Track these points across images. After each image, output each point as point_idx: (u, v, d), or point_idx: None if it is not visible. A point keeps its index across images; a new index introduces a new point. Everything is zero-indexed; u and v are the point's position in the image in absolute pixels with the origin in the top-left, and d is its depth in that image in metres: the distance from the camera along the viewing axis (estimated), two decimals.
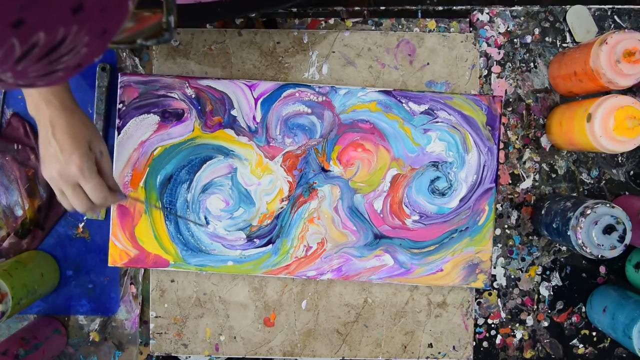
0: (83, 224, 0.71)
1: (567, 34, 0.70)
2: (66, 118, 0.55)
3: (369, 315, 0.71)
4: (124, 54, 0.70)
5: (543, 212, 0.67)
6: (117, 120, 0.68)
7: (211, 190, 0.68)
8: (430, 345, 0.71)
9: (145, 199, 0.67)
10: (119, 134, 0.68)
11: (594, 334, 0.71)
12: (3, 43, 0.22)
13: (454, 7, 0.71)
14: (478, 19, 0.71)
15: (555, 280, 0.71)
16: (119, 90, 0.67)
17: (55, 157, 0.54)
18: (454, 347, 0.71)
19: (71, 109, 0.56)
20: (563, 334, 0.71)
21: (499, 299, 0.71)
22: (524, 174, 0.71)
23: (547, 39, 0.71)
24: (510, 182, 0.71)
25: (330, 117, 0.68)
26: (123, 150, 0.68)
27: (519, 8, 0.71)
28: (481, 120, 0.68)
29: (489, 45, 0.71)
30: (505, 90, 0.71)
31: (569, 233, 0.60)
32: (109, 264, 0.68)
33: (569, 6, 0.70)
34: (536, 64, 0.71)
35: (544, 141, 0.71)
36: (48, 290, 0.69)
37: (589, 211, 0.59)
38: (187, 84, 0.68)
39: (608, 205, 0.59)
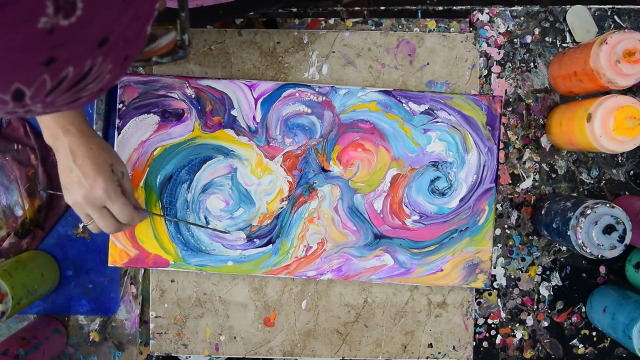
0: (83, 224, 0.71)
1: (567, 34, 0.70)
2: (85, 144, 0.56)
3: (369, 315, 0.71)
4: None
5: (543, 212, 0.67)
6: (117, 120, 0.68)
7: (211, 190, 0.68)
8: (430, 345, 0.71)
9: (164, 213, 0.68)
10: (119, 134, 0.68)
11: (594, 334, 0.71)
12: (35, 80, 0.23)
13: (454, 7, 0.71)
14: (478, 19, 0.71)
15: (555, 280, 0.71)
16: (119, 90, 0.67)
17: (79, 183, 0.56)
18: (454, 347, 0.71)
19: (88, 134, 0.57)
20: (563, 334, 0.71)
21: (499, 299, 0.71)
22: (524, 174, 0.71)
23: (547, 39, 0.71)
24: (510, 182, 0.71)
25: (330, 117, 0.68)
26: (123, 150, 0.68)
27: (519, 8, 0.71)
28: (481, 120, 0.68)
29: (489, 45, 0.71)
30: (505, 90, 0.71)
31: (569, 233, 0.60)
32: (109, 264, 0.68)
33: (569, 6, 0.70)
34: (536, 64, 0.71)
35: (544, 141, 0.71)
36: (48, 290, 0.69)
37: (589, 211, 0.59)
38: (187, 84, 0.68)
39: (608, 205, 0.59)
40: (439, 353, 0.71)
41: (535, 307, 0.71)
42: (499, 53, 0.71)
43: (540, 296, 0.71)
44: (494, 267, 0.71)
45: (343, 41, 0.70)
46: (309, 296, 0.71)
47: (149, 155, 0.68)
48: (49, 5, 0.21)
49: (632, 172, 0.71)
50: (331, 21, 0.71)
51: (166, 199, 0.68)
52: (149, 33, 0.29)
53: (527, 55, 0.71)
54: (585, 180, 0.71)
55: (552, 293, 0.71)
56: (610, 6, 0.70)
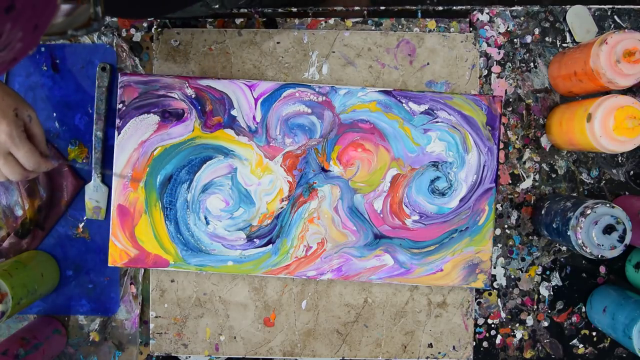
0: (83, 224, 0.71)
1: (567, 34, 0.70)
2: None
3: (369, 315, 0.71)
4: (124, 54, 0.70)
5: (543, 212, 0.67)
6: (117, 120, 0.68)
7: (211, 190, 0.68)
8: (430, 345, 0.71)
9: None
10: (119, 134, 0.68)
11: (594, 334, 0.71)
12: None
13: (454, 7, 0.71)
14: (478, 19, 0.71)
15: (555, 280, 0.71)
16: (119, 90, 0.67)
17: None
18: (454, 347, 0.71)
19: None
20: (563, 334, 0.71)
21: (499, 299, 0.71)
22: (524, 174, 0.71)
23: (547, 39, 0.71)
24: (510, 182, 0.71)
25: (330, 117, 0.68)
26: (123, 150, 0.68)
27: (519, 8, 0.71)
28: (481, 120, 0.68)
29: (489, 45, 0.71)
30: (505, 90, 0.71)
31: (569, 233, 0.60)
32: (109, 264, 0.68)
33: (569, 6, 0.70)
34: (536, 64, 0.71)
35: (544, 141, 0.71)
36: (48, 290, 0.69)
37: (589, 211, 0.59)
38: (187, 84, 0.68)
39: (608, 205, 0.59)
40: (439, 353, 0.71)
41: (535, 307, 0.71)
42: (499, 53, 0.71)
43: (540, 296, 0.71)
44: (494, 267, 0.71)
45: (343, 41, 0.70)
46: (309, 296, 0.71)
47: (149, 155, 0.68)
48: None
49: (632, 172, 0.71)
50: (331, 21, 0.71)
51: (166, 199, 0.68)
52: (59, 2, 0.30)
53: (527, 55, 0.71)
54: (585, 180, 0.71)
55: (552, 293, 0.71)
56: (610, 6, 0.70)
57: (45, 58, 0.70)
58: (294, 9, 0.72)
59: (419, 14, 0.72)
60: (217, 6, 0.65)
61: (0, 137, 0.54)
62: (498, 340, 0.71)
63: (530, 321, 0.71)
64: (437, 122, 0.68)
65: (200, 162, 0.68)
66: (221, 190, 0.68)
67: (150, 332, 0.71)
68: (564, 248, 0.71)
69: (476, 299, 0.71)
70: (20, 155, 0.55)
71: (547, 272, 0.71)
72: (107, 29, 0.70)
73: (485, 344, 0.71)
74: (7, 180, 0.57)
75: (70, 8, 0.37)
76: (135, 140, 0.68)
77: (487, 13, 0.71)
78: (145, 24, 0.71)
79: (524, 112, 0.71)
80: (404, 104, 0.68)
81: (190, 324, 0.71)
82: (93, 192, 0.70)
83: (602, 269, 0.71)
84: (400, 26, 0.71)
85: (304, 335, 0.71)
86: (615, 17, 0.70)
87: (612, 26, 0.70)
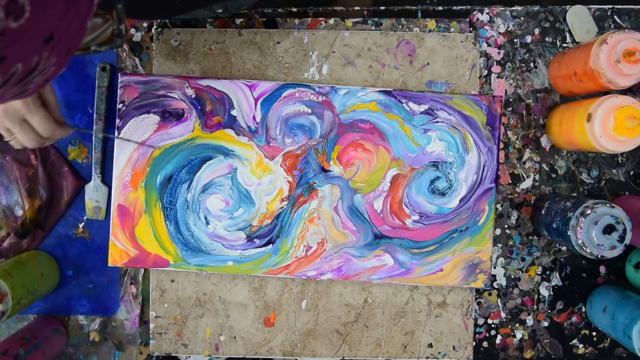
0: (83, 224, 0.71)
1: (567, 34, 0.70)
2: None
3: (369, 315, 0.71)
4: (124, 54, 0.70)
5: (543, 212, 0.67)
6: (117, 120, 0.68)
7: (211, 190, 0.68)
8: (430, 345, 0.71)
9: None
10: (119, 133, 0.68)
11: (594, 334, 0.71)
12: None
13: (454, 7, 0.71)
14: (478, 19, 0.71)
15: (555, 280, 0.71)
16: (119, 90, 0.67)
17: None
18: (454, 347, 0.71)
19: None
20: (563, 334, 0.71)
21: (499, 299, 0.71)
22: (524, 174, 0.71)
23: (547, 39, 0.71)
24: (510, 182, 0.71)
25: (330, 117, 0.68)
26: (123, 150, 0.68)
27: (519, 8, 0.71)
28: (481, 120, 0.68)
29: (489, 45, 0.71)
30: (505, 90, 0.71)
31: (569, 233, 0.60)
32: (109, 264, 0.68)
33: (569, 6, 0.70)
34: (536, 64, 0.71)
35: (544, 141, 0.71)
36: (48, 290, 0.69)
37: (589, 211, 0.59)
38: (187, 84, 0.68)
39: (608, 205, 0.59)
40: (439, 353, 0.71)
41: (535, 307, 0.71)
42: (499, 53, 0.71)
43: (540, 296, 0.71)
44: (494, 267, 0.71)
45: (343, 41, 0.70)
46: (309, 296, 0.71)
47: (149, 155, 0.68)
48: (1, 10, 0.23)
49: (632, 172, 0.71)
50: (331, 21, 0.71)
51: (166, 199, 0.68)
52: (88, 27, 0.31)
53: (527, 55, 0.71)
54: (585, 180, 0.71)
55: (552, 293, 0.71)
56: (610, 6, 0.70)
57: None
58: (294, 9, 0.72)
59: (419, 14, 0.72)
60: (220, 11, 0.66)
61: (15, 104, 0.54)
62: (498, 340, 0.71)
63: (530, 321, 0.71)
64: (437, 122, 0.68)
65: (200, 162, 0.68)
66: (221, 190, 0.68)
67: (150, 332, 0.71)
68: (564, 248, 0.71)
69: (476, 299, 0.71)
70: (35, 122, 0.55)
71: (547, 272, 0.71)
72: None
73: (485, 344, 0.71)
74: (22, 147, 0.57)
75: (95, 25, 0.38)
76: (135, 140, 0.68)
77: (487, 13, 0.71)
78: (145, 24, 0.71)
79: (524, 112, 0.71)
80: (404, 104, 0.68)
81: (190, 324, 0.71)
82: (93, 192, 0.70)
83: (602, 269, 0.71)
84: (400, 26, 0.71)
85: (304, 335, 0.71)
86: (615, 17, 0.70)
87: (612, 26, 0.70)
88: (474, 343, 0.71)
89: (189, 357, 0.72)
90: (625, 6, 0.70)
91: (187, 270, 0.69)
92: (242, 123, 0.68)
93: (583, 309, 0.71)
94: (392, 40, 0.70)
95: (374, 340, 0.71)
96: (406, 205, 0.68)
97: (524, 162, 0.71)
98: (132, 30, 0.71)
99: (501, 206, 0.71)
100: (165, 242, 0.68)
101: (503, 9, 0.71)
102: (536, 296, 0.71)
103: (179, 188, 0.68)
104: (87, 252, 0.71)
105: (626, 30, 0.58)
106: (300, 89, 0.68)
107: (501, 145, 0.70)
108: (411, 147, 0.68)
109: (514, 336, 0.71)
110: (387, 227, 0.68)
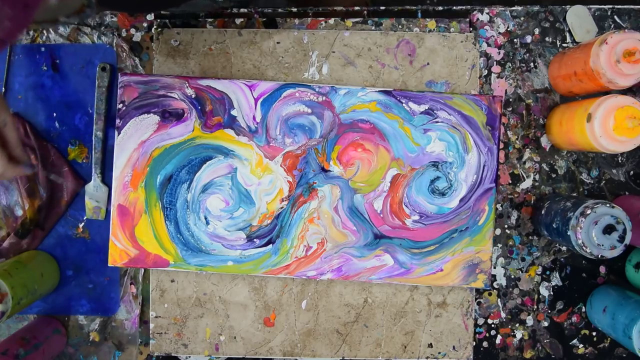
0: (83, 224, 0.71)
1: (567, 34, 0.70)
2: None
3: (369, 315, 0.71)
4: (124, 54, 0.70)
5: (543, 212, 0.67)
6: (117, 120, 0.68)
7: (211, 190, 0.68)
8: (430, 345, 0.71)
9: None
10: (119, 134, 0.68)
11: (594, 334, 0.71)
12: None
13: (454, 7, 0.71)
14: (478, 19, 0.71)
15: (555, 280, 0.71)
16: (119, 90, 0.67)
17: None
18: (454, 347, 0.71)
19: None
20: (563, 334, 0.71)
21: (499, 299, 0.71)
22: (524, 174, 0.71)
23: (547, 39, 0.71)
24: (510, 182, 0.71)
25: (330, 117, 0.68)
26: (123, 150, 0.68)
27: (519, 8, 0.71)
28: (481, 120, 0.68)
29: (489, 45, 0.71)
30: (505, 90, 0.71)
31: (569, 233, 0.60)
32: (109, 264, 0.68)
33: (569, 6, 0.70)
34: (536, 64, 0.71)
35: (544, 141, 0.71)
36: (48, 290, 0.69)
37: (589, 211, 0.59)
38: (187, 84, 0.68)
39: (608, 205, 0.59)
40: (439, 353, 0.71)
41: (535, 307, 0.71)
42: (499, 53, 0.71)
43: (540, 296, 0.71)
44: (494, 267, 0.71)
45: (343, 41, 0.70)
46: (309, 296, 0.71)
47: (149, 155, 0.68)
48: None
49: (632, 172, 0.71)
50: (331, 21, 0.71)
51: (166, 199, 0.68)
52: None
53: (527, 55, 0.71)
54: (585, 180, 0.71)
55: (552, 293, 0.71)
56: (610, 6, 0.70)
57: (45, 58, 0.70)
58: (294, 9, 0.72)
59: (419, 14, 0.72)
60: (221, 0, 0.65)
61: None
62: (498, 340, 0.71)
63: (530, 321, 0.71)
64: (437, 122, 0.68)
65: (200, 162, 0.68)
66: (221, 190, 0.68)
67: (150, 332, 0.71)
68: (564, 248, 0.71)
69: (476, 299, 0.71)
70: None
71: (547, 272, 0.71)
72: (107, 29, 0.70)
73: (485, 344, 0.71)
74: None
75: None
76: (135, 140, 0.68)
77: (487, 13, 0.71)
78: (145, 24, 0.71)
79: (524, 112, 0.71)
80: (404, 104, 0.68)
81: (190, 324, 0.71)
82: (93, 192, 0.70)
83: (602, 269, 0.71)
84: (400, 26, 0.71)
85: (304, 335, 0.71)
86: (615, 17, 0.70)
87: (612, 26, 0.70)
88: (474, 343, 0.71)
89: (189, 357, 0.72)
90: (625, 6, 0.70)
91: (187, 270, 0.69)
92: (242, 123, 0.68)
93: (583, 309, 0.71)
94: (392, 40, 0.70)
95: (374, 340, 0.71)
96: (406, 205, 0.68)
97: (524, 162, 0.71)
98: (132, 30, 0.71)
99: (501, 206, 0.71)
100: (165, 242, 0.68)
101: (503, 9, 0.71)
102: (536, 296, 0.71)
103: (179, 188, 0.68)
104: (87, 252, 0.71)
105: (626, 30, 0.58)
106: (300, 89, 0.68)
107: (501, 145, 0.70)
108: (411, 147, 0.68)
109: (514, 336, 0.71)
110: (387, 227, 0.68)
